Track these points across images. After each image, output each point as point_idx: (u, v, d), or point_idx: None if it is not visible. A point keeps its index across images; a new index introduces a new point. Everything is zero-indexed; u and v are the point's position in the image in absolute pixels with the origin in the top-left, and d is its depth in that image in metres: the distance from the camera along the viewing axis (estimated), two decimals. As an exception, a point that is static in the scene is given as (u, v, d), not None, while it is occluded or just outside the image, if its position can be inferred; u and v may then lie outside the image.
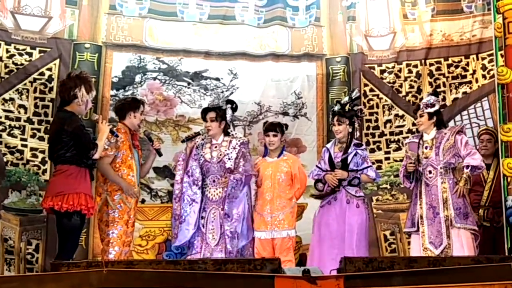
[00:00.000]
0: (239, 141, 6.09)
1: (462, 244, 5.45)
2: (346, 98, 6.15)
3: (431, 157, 5.71)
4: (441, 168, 5.67)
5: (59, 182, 5.14)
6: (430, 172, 5.72)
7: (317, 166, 6.21)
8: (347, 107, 6.03)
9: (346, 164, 5.92)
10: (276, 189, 6.14)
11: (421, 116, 5.87)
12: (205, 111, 6.14)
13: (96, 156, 5.25)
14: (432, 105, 5.82)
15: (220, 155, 6.01)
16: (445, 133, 5.76)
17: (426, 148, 5.78)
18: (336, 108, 6.10)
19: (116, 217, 5.61)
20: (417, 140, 5.91)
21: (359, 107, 6.18)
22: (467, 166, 5.52)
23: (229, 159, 5.97)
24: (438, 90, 7.25)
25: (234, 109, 6.21)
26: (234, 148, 6.03)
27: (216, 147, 6.06)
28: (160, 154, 6.09)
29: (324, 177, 5.99)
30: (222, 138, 6.11)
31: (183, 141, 6.12)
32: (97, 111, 6.86)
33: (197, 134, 6.13)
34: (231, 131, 6.22)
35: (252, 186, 6.31)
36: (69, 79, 5.33)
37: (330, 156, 6.01)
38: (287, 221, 6.09)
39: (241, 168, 5.97)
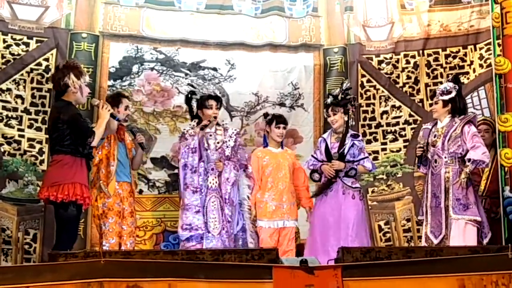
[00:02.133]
0: (234, 130, 6.29)
1: (460, 235, 5.35)
2: (337, 90, 6.15)
3: (437, 146, 5.60)
4: (445, 157, 5.55)
5: (54, 172, 5.13)
6: (436, 161, 5.61)
7: (312, 156, 6.19)
8: (339, 97, 6.01)
9: (343, 155, 5.90)
10: (287, 179, 6.21)
11: (436, 103, 5.75)
12: (212, 98, 6.15)
13: (94, 143, 5.23)
14: (448, 92, 5.67)
15: (218, 143, 6.08)
16: (455, 122, 5.60)
17: (434, 136, 5.68)
18: (329, 100, 6.09)
19: (105, 209, 5.69)
20: (430, 127, 5.82)
21: (352, 96, 6.16)
22: (469, 160, 5.40)
23: (227, 147, 6.10)
24: (435, 81, 7.27)
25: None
26: (231, 137, 6.16)
27: (210, 135, 6.10)
28: (143, 148, 6.11)
29: (321, 167, 5.98)
30: (215, 127, 6.16)
31: (202, 129, 5.98)
32: (95, 103, 6.86)
33: (210, 122, 6.08)
34: (222, 120, 6.40)
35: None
36: (56, 71, 5.32)
37: (326, 146, 5.99)
38: (295, 210, 6.19)
39: (239, 155, 6.13)
